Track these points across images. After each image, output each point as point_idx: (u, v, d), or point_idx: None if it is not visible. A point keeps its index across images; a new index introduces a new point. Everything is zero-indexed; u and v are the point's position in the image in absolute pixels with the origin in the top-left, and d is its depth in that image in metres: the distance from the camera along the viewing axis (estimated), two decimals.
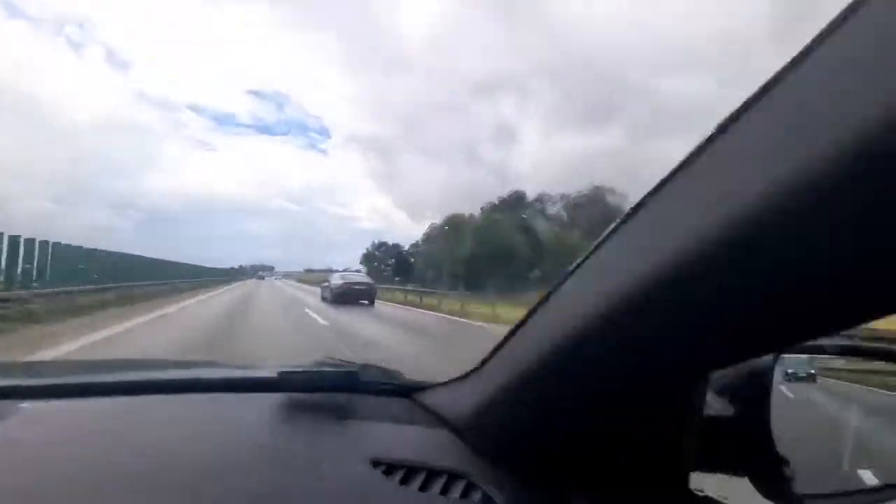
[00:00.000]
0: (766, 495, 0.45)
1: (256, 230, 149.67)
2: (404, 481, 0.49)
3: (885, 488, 0.50)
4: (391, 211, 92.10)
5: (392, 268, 45.60)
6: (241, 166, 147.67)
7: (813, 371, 0.58)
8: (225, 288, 24.76)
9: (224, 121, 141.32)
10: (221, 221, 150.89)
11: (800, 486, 0.47)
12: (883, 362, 0.54)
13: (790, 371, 0.58)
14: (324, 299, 15.60)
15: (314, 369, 0.68)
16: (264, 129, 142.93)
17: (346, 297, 14.48)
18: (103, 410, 0.62)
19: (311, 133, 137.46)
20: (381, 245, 54.20)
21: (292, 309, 12.72)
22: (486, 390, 0.52)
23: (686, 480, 0.48)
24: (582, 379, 0.41)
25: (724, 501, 0.47)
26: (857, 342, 0.57)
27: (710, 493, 0.49)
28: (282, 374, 0.64)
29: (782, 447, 0.49)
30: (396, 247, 51.67)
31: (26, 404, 0.59)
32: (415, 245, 47.26)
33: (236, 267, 68.20)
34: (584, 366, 0.40)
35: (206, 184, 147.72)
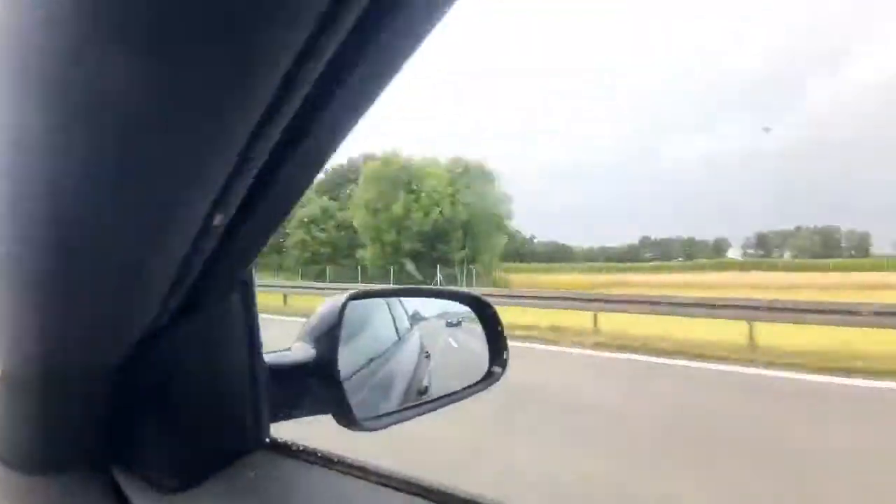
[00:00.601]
0: (341, 423, 0.50)
1: None
2: None
3: (433, 401, 0.63)
4: None
5: None
6: None
7: (461, 320, 0.74)
8: None
9: None
10: None
11: (368, 411, 0.54)
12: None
13: (449, 321, 0.74)
14: None
15: None
16: None
17: None
18: None
19: None
20: None
21: None
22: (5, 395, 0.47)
23: (261, 434, 0.49)
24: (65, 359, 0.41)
25: (288, 442, 0.50)
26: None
27: (286, 438, 0.50)
28: None
29: (372, 377, 0.59)
30: None
31: None
32: None
33: None
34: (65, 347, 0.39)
35: None
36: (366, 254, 26.77)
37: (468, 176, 26.33)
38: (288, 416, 0.50)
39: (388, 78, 0.25)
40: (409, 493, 0.43)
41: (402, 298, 0.71)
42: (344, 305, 0.52)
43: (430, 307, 0.73)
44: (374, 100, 0.27)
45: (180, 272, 0.34)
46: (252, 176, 0.29)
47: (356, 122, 0.28)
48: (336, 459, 0.47)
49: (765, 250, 69.10)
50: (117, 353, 0.40)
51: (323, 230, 29.60)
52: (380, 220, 25.73)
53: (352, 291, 0.56)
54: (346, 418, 0.49)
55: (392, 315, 0.68)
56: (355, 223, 27.30)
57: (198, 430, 0.45)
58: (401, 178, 25.93)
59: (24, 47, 0.21)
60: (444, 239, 25.65)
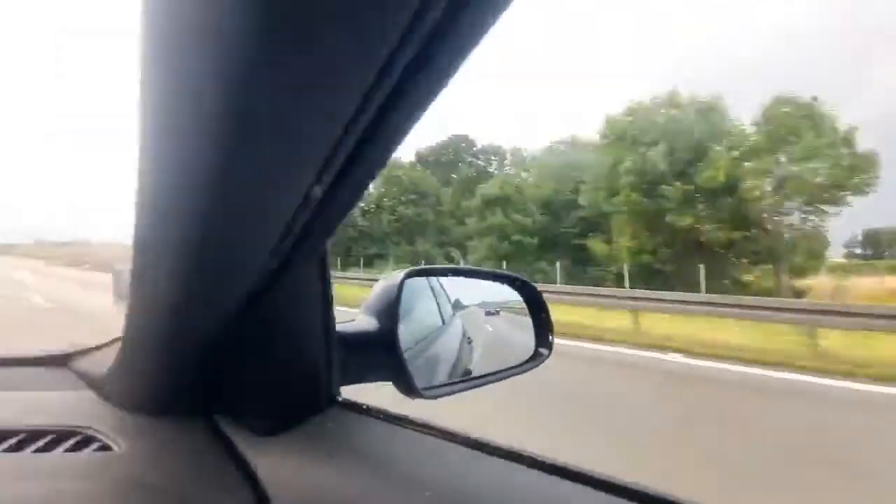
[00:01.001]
0: (404, 393, 0.54)
1: None
2: None
3: (484, 376, 0.65)
4: None
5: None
6: None
7: (498, 310, 0.78)
8: None
9: None
10: None
11: (425, 381, 0.57)
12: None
13: (488, 311, 0.78)
14: (123, 297, 3.29)
15: None
16: None
17: None
18: None
19: None
20: None
21: None
22: (126, 349, 0.55)
23: (332, 394, 0.53)
24: (175, 321, 0.46)
25: (356, 402, 0.54)
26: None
27: (354, 399, 0.55)
28: None
29: (430, 352, 0.64)
30: None
31: None
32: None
33: None
34: (172, 308, 0.45)
35: None
36: (611, 249, 16.58)
37: (803, 121, 14.03)
38: (354, 381, 0.55)
39: (469, 51, 0.26)
40: (474, 448, 0.45)
41: (444, 285, 0.73)
42: (402, 281, 0.56)
43: (471, 295, 0.75)
44: (452, 76, 0.28)
45: (281, 238, 0.38)
46: (350, 149, 0.31)
47: (437, 95, 0.29)
48: (399, 417, 0.51)
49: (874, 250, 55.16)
50: (225, 312, 0.45)
51: (522, 213, 20.26)
52: (660, 198, 15.01)
53: (409, 269, 0.59)
54: (407, 386, 0.53)
55: (437, 302, 0.71)
56: (586, 200, 17.54)
57: (285, 383, 0.51)
58: (701, 128, 14.93)
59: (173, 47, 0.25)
60: (759, 223, 14.51)
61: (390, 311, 0.54)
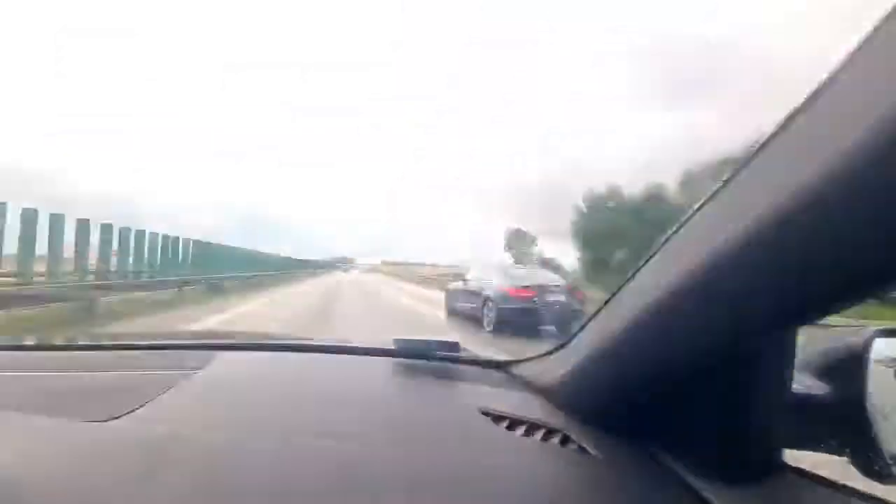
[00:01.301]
0: (865, 473, 0.46)
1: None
2: (510, 429, 0.59)
3: None
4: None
5: None
6: None
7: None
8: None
9: None
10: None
11: None
12: None
13: None
14: (453, 313, 8.77)
15: (423, 339, 0.85)
16: None
17: (526, 318, 6.87)
18: (276, 360, 0.88)
19: None
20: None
21: None
22: (575, 361, 0.61)
23: (778, 455, 0.52)
24: (661, 349, 0.48)
25: (817, 473, 0.49)
26: None
27: (806, 468, 0.51)
28: (397, 342, 0.86)
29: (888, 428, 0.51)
30: None
31: (224, 354, 0.85)
32: None
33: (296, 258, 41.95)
34: (662, 336, 0.47)
35: None
36: None
37: None
38: (798, 446, 0.51)
39: None
40: None
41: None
42: (869, 341, 0.49)
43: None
44: None
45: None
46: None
47: None
48: (853, 489, 0.46)
49: None
50: (698, 358, 0.46)
51: None
52: None
53: (882, 327, 0.50)
54: (878, 468, 0.45)
55: None
56: None
57: (736, 437, 0.51)
58: None
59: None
60: None
61: (853, 373, 0.47)
